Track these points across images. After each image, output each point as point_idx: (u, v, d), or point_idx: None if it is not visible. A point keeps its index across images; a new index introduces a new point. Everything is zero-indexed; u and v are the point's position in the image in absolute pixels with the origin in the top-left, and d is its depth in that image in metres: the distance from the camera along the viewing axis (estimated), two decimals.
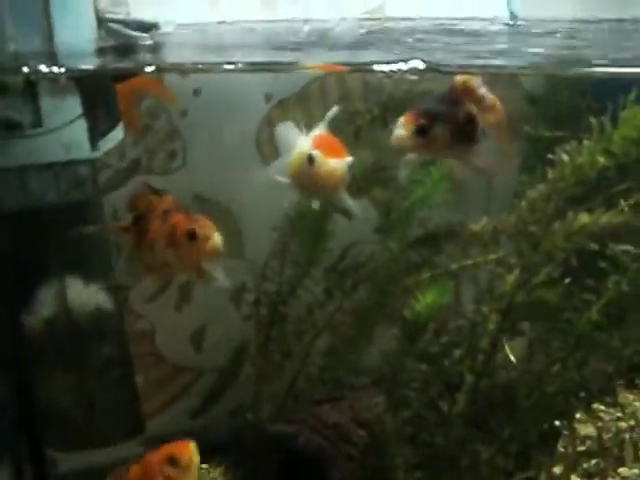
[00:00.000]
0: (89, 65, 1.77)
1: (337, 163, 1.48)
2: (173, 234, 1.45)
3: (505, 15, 2.19)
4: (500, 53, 1.90)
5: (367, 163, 2.12)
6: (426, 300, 1.88)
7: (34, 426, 1.90)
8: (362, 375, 2.17)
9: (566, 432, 2.08)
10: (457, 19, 2.17)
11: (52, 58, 1.68)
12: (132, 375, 1.97)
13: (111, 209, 2.12)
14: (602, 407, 2.00)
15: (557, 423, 2.02)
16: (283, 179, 1.58)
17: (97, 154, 1.80)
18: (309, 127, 1.59)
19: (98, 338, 1.86)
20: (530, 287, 1.82)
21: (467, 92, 1.41)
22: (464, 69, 1.61)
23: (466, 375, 1.86)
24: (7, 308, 1.82)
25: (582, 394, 1.93)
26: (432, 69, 1.59)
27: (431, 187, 2.04)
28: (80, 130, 1.75)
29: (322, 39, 2.10)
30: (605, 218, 1.78)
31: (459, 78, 1.42)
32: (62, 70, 1.66)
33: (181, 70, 2.06)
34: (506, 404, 1.93)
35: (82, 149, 1.76)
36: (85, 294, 1.83)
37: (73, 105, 1.73)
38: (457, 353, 1.90)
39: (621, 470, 2.29)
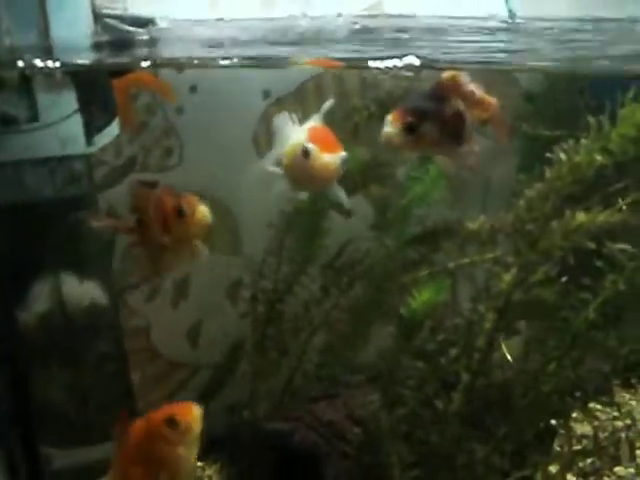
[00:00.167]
0: (85, 60, 1.76)
1: (331, 157, 1.48)
2: (164, 216, 1.46)
3: (503, 13, 2.18)
4: (498, 51, 1.90)
5: (364, 160, 2.11)
6: (422, 298, 1.88)
7: (28, 422, 1.90)
8: (358, 372, 2.17)
9: (562, 431, 2.08)
10: (456, 17, 2.17)
11: (48, 53, 1.67)
12: (127, 371, 1.97)
13: (106, 206, 2.13)
14: (598, 406, 2.00)
15: (553, 422, 2.02)
16: (276, 169, 1.57)
17: (93, 149, 1.79)
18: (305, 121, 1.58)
19: (93, 334, 1.86)
20: (527, 286, 1.82)
21: (454, 88, 1.39)
22: (460, 66, 1.61)
23: (462, 373, 1.86)
24: (1, 303, 1.81)
25: (578, 393, 1.93)
26: (427, 66, 1.59)
27: (428, 185, 2.04)
28: (76, 125, 1.74)
29: (318, 35, 2.10)
30: (602, 217, 1.77)
31: (446, 74, 1.41)
32: (57, 65, 1.65)
33: (176, 65, 2.05)
34: (502, 403, 1.93)
35: (78, 144, 1.75)
36: (80, 289, 1.83)
37: (69, 100, 1.73)
38: (453, 351, 1.90)
39: (617, 469, 2.29)
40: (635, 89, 1.63)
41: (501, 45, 2.04)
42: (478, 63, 1.74)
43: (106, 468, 1.55)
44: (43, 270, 1.80)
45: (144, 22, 1.89)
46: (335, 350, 2.19)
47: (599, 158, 1.69)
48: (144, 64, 1.84)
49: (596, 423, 2.38)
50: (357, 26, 2.17)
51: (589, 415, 2.07)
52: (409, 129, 1.35)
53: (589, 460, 2.27)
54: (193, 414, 1.46)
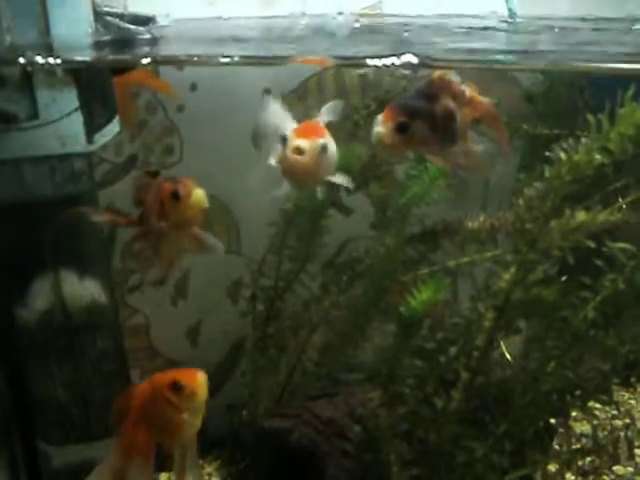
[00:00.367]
0: (85, 57, 1.76)
1: (308, 142, 1.42)
2: (161, 201, 1.46)
3: (504, 12, 2.19)
4: (497, 50, 1.90)
5: (364, 158, 2.11)
6: (422, 296, 1.88)
7: (27, 420, 1.90)
8: (357, 371, 2.17)
9: (561, 430, 2.09)
10: (455, 16, 2.17)
11: (48, 50, 1.67)
12: (126, 369, 1.97)
13: (107, 203, 2.13)
14: (597, 405, 2.00)
15: (552, 421, 2.02)
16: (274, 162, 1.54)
17: (93, 147, 1.79)
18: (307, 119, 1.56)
19: (93, 331, 1.86)
20: (527, 285, 1.81)
21: (444, 86, 1.39)
22: (459, 64, 1.60)
23: (462, 372, 1.86)
24: (1, 300, 1.81)
25: (577, 392, 1.93)
26: (425, 64, 1.58)
27: (428, 183, 2.04)
28: (77, 123, 1.74)
29: (317, 33, 2.10)
30: (602, 216, 1.77)
31: (436, 73, 1.40)
32: (58, 62, 1.65)
33: (177, 62, 2.05)
34: (501, 401, 1.93)
35: (78, 142, 1.75)
36: (80, 287, 1.83)
37: (70, 98, 1.72)
38: (453, 350, 1.90)
39: (616, 468, 2.30)
40: (635, 88, 1.63)
41: (501, 45, 2.05)
42: (477, 62, 1.74)
43: None
44: (43, 268, 1.80)
45: (144, 20, 1.89)
46: (335, 348, 2.19)
47: (599, 157, 1.69)
48: (144, 61, 1.84)
49: (595, 422, 2.39)
50: (357, 24, 2.17)
51: (588, 414, 2.07)
52: (400, 129, 1.34)
53: (588, 459, 2.28)
54: (198, 380, 1.44)
